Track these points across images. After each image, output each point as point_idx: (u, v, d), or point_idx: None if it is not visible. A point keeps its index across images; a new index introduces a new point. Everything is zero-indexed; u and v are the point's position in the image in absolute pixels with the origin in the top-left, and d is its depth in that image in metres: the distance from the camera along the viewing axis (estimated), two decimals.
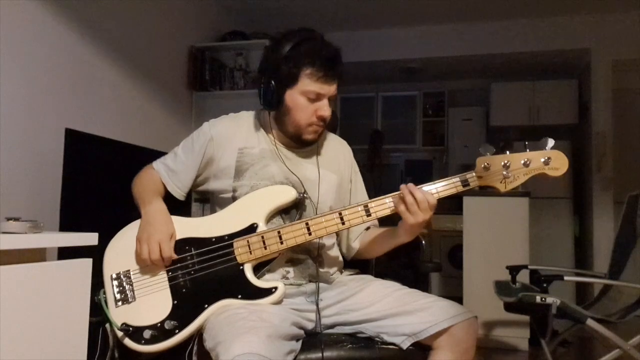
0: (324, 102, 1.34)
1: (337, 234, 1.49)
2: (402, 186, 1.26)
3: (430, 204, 1.24)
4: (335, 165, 1.49)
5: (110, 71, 2.95)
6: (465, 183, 1.28)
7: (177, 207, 1.44)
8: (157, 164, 1.47)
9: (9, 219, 1.18)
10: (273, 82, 1.32)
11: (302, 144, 1.41)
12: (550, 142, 1.25)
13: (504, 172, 1.26)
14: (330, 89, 1.34)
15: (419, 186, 1.27)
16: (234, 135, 1.42)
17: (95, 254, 1.33)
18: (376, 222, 1.48)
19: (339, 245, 1.55)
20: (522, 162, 1.25)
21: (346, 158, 1.55)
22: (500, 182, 1.26)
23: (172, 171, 1.44)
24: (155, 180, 1.44)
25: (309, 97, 1.32)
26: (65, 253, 1.37)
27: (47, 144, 2.43)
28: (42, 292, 1.18)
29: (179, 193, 1.44)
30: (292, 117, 1.35)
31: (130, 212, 1.40)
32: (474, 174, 1.28)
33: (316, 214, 1.36)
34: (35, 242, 1.19)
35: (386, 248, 1.45)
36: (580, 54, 4.66)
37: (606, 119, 4.45)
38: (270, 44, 1.39)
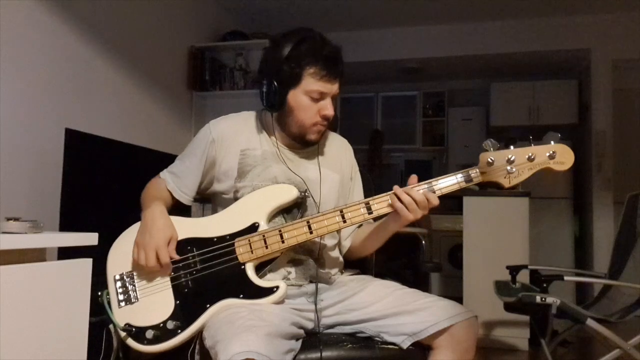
0: (327, 101, 1.34)
1: (338, 233, 1.49)
2: (396, 188, 1.26)
3: (431, 204, 1.24)
4: (337, 164, 1.49)
5: (110, 71, 2.95)
6: (468, 179, 1.27)
7: (177, 206, 1.44)
8: (163, 173, 1.48)
9: (9, 219, 1.18)
10: (275, 83, 1.31)
11: (305, 144, 1.41)
12: (556, 137, 1.24)
13: (508, 167, 1.24)
14: (333, 87, 1.34)
15: (420, 183, 1.27)
16: (235, 137, 1.41)
17: (95, 254, 1.33)
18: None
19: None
20: (527, 156, 1.24)
21: (347, 156, 1.55)
22: (504, 178, 1.25)
23: (178, 177, 1.44)
24: (161, 188, 1.44)
25: (312, 97, 1.32)
26: (65, 253, 1.37)
27: (47, 144, 2.43)
28: (42, 292, 1.18)
29: (186, 198, 1.44)
30: (296, 117, 1.34)
31: (130, 212, 1.40)
32: (477, 170, 1.27)
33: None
34: (35, 242, 1.19)
35: (378, 243, 1.45)
36: (580, 54, 4.66)
37: (606, 119, 4.45)
38: (269, 45, 1.38)
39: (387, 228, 1.38)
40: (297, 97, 1.32)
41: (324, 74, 1.30)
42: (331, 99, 1.35)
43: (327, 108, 1.34)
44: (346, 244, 1.52)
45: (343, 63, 1.36)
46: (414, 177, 1.28)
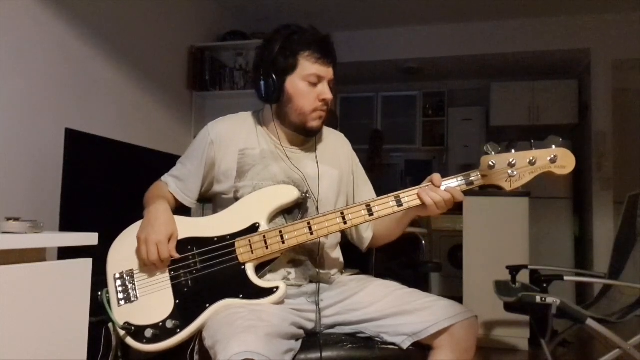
0: (325, 85, 1.35)
1: (342, 232, 1.49)
2: (429, 188, 1.26)
3: (457, 200, 1.24)
4: (335, 159, 1.49)
5: (110, 71, 2.95)
6: (469, 182, 1.27)
7: (178, 208, 1.44)
8: (165, 177, 1.48)
9: (9, 219, 1.18)
10: (272, 75, 1.33)
11: (307, 134, 1.41)
12: (557, 141, 1.24)
13: (509, 171, 1.24)
14: (329, 71, 1.36)
15: (442, 182, 1.26)
16: (233, 137, 1.42)
17: (95, 254, 1.33)
18: None
19: (351, 239, 1.54)
20: (528, 160, 1.24)
21: (345, 151, 1.55)
22: (506, 181, 1.25)
23: (180, 180, 1.44)
24: (164, 191, 1.45)
25: (309, 82, 1.34)
26: (65, 253, 1.37)
27: (47, 144, 2.43)
28: (42, 292, 1.18)
29: (189, 201, 1.44)
30: (296, 104, 1.35)
31: (130, 212, 1.40)
32: (478, 173, 1.27)
33: (317, 210, 1.36)
34: (35, 242, 1.19)
35: (403, 227, 1.44)
36: (580, 54, 4.66)
37: (606, 119, 4.45)
38: (262, 42, 1.40)
39: (409, 215, 1.37)
40: (295, 84, 1.34)
41: (319, 56, 1.33)
42: (328, 85, 1.36)
43: (326, 92, 1.35)
44: (368, 235, 1.52)
45: (335, 50, 1.37)
46: (436, 175, 1.28)
